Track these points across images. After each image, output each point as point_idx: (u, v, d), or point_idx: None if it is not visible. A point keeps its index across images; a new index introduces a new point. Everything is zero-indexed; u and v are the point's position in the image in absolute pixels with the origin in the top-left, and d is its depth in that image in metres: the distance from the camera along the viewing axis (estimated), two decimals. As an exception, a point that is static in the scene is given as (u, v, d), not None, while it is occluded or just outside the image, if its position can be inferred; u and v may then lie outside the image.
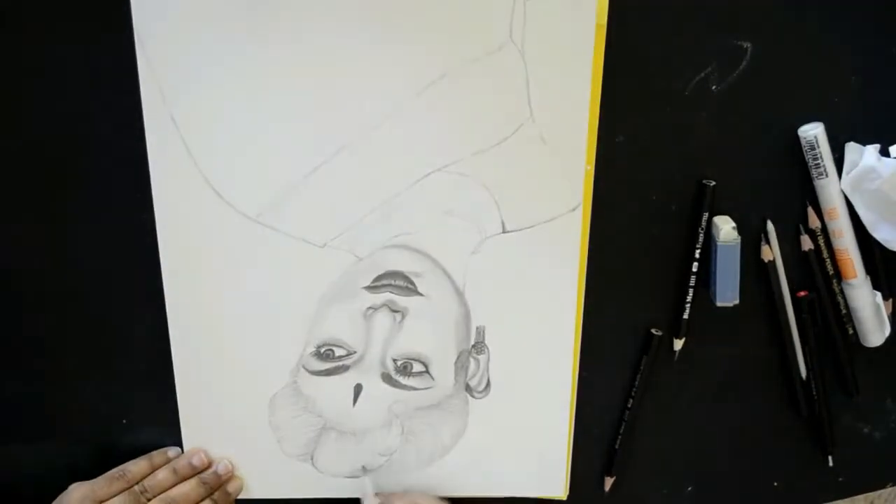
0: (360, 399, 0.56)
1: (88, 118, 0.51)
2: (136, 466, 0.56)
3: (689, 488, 0.62)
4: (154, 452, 0.57)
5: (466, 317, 0.55)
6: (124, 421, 0.57)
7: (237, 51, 0.49)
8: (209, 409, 0.57)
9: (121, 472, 0.55)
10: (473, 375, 0.56)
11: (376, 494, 0.57)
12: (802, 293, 0.57)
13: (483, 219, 0.53)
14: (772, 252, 0.56)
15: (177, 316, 0.55)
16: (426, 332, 0.55)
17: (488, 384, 0.57)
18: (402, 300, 0.54)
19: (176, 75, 0.50)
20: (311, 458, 0.57)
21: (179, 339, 0.55)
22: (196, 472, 0.56)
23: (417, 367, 0.56)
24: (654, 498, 0.62)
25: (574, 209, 0.53)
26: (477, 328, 0.55)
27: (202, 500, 0.56)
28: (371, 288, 0.54)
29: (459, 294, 0.55)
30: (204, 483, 0.56)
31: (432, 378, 0.56)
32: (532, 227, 0.54)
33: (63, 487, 0.54)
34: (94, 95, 0.50)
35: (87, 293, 0.55)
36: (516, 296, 0.55)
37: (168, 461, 0.56)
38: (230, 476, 0.57)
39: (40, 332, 0.56)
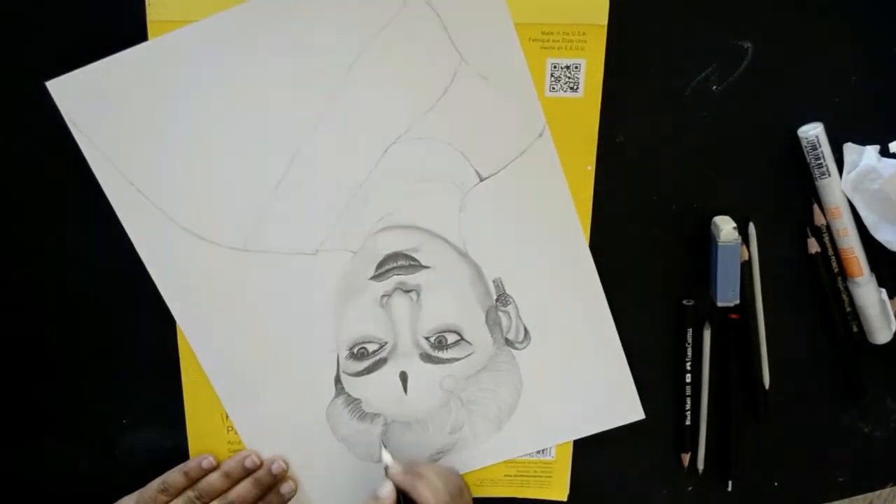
0: (409, 385, 0.56)
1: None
2: (173, 479, 0.55)
3: (690, 488, 0.62)
4: (189, 465, 0.56)
5: (479, 274, 0.55)
6: (124, 421, 0.58)
7: (166, 104, 0.50)
8: (272, 441, 0.57)
9: (163, 486, 0.55)
10: (509, 329, 0.56)
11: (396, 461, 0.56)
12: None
13: (457, 175, 0.53)
14: (748, 252, 0.56)
15: (209, 361, 0.55)
16: (446, 301, 0.55)
17: (526, 333, 0.56)
18: (410, 279, 0.54)
19: (118, 144, 0.51)
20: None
21: (220, 382, 0.56)
22: (249, 473, 0.56)
23: (451, 338, 0.56)
24: (654, 497, 0.62)
25: (541, 134, 0.52)
26: (494, 281, 0.55)
27: (257, 500, 0.56)
28: (377, 277, 0.54)
29: (463, 254, 0.54)
30: (258, 483, 0.56)
31: (469, 343, 0.56)
32: (506, 166, 0.53)
33: (63, 487, 0.54)
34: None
35: (88, 293, 0.55)
36: (519, 237, 0.54)
37: (204, 472, 0.56)
38: (284, 475, 0.57)
39: (41, 333, 0.56)
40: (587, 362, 0.57)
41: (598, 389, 0.58)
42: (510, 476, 0.60)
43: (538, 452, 0.60)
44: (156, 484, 0.55)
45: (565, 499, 0.61)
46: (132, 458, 0.57)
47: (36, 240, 0.54)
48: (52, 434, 0.57)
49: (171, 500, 0.54)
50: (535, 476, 0.60)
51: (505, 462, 0.60)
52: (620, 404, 0.58)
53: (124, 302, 0.54)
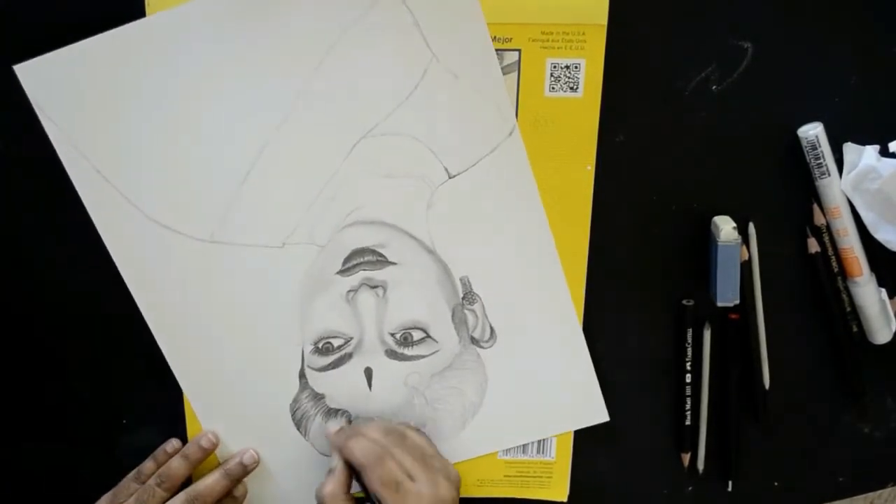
0: (374, 382, 0.56)
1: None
2: (145, 467, 0.56)
3: (690, 488, 0.62)
4: (157, 451, 0.56)
5: (446, 271, 0.55)
6: (124, 421, 0.58)
7: (136, 92, 0.50)
8: (235, 434, 0.57)
9: (137, 474, 0.55)
10: (475, 327, 0.56)
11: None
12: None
13: (425, 171, 0.53)
14: (748, 252, 0.56)
15: (171, 350, 0.55)
16: (412, 298, 0.55)
17: (492, 332, 0.56)
18: (376, 274, 0.54)
19: (86, 131, 0.50)
20: None
21: (182, 371, 0.56)
22: (207, 454, 0.56)
23: (417, 335, 0.55)
24: (654, 497, 0.62)
25: (511, 133, 0.52)
26: (461, 279, 0.55)
27: (227, 493, 0.56)
28: (343, 272, 0.54)
29: (430, 251, 0.54)
30: (228, 474, 0.56)
31: (435, 341, 0.56)
32: (475, 164, 0.53)
33: (63, 487, 0.54)
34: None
35: (87, 293, 0.55)
36: (486, 236, 0.54)
37: (169, 456, 0.56)
38: (255, 467, 0.57)
39: (40, 333, 0.56)
40: (552, 363, 0.57)
41: (563, 390, 0.58)
42: (510, 476, 0.60)
43: (538, 452, 0.60)
44: (131, 474, 0.55)
45: (565, 499, 0.61)
46: (132, 458, 0.57)
47: (35, 239, 0.54)
48: (52, 434, 0.57)
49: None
50: (535, 476, 0.60)
51: (505, 462, 0.60)
52: (585, 406, 0.58)
53: (124, 302, 0.54)
